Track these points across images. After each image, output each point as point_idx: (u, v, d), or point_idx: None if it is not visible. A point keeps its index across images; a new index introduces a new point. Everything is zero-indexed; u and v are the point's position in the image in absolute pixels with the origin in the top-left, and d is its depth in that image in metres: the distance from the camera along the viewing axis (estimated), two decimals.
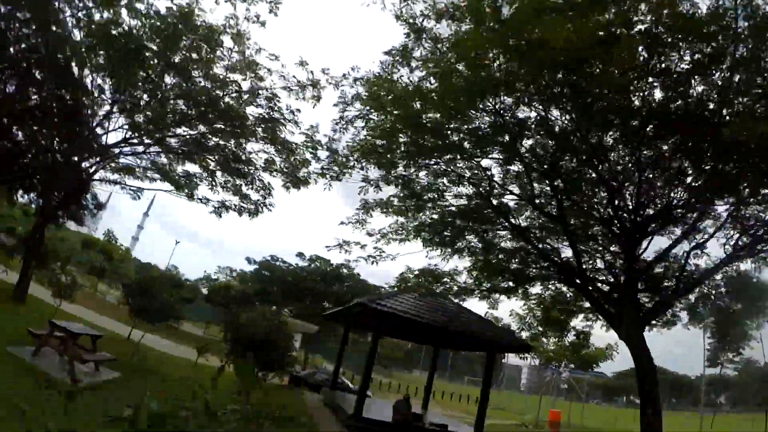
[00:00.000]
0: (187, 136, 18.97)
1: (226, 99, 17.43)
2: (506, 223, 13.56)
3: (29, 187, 19.91)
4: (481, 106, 10.69)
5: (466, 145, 11.51)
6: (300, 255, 56.72)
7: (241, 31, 15.96)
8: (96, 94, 18.18)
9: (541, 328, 21.88)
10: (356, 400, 12.17)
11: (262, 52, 16.57)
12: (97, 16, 16.10)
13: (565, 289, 17.63)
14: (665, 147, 11.24)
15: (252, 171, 19.48)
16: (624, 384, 68.16)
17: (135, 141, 19.32)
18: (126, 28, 15.78)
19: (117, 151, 19.63)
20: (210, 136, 18.75)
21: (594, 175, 12.14)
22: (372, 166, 12.02)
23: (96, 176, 20.55)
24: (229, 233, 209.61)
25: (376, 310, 12.11)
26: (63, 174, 18.31)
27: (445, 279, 14.58)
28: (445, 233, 13.18)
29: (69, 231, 39.79)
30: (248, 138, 18.61)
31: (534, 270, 14.97)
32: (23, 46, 16.09)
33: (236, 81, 17.24)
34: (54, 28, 15.56)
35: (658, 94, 10.64)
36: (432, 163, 12.08)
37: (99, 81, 17.96)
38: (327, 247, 12.91)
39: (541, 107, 11.16)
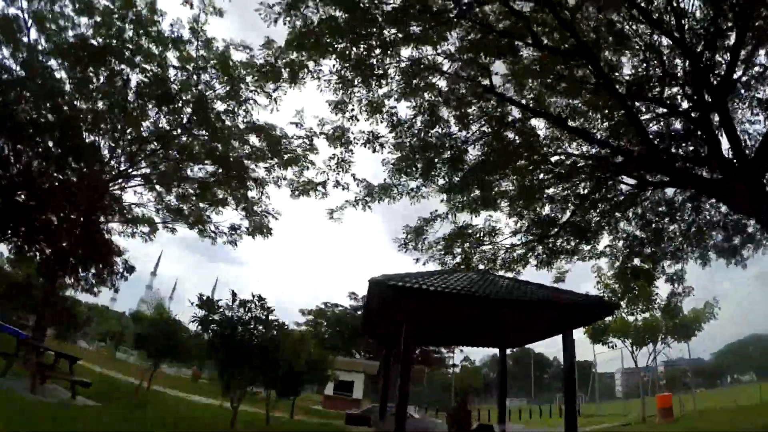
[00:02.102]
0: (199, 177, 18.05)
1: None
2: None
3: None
4: None
5: None
6: (352, 295, 54.81)
7: None
8: (109, 156, 17.72)
9: (622, 293, 18.23)
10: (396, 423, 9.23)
11: None
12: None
13: (638, 233, 14.38)
14: None
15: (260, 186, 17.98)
16: (725, 363, 59.19)
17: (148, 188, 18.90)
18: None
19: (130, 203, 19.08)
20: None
21: None
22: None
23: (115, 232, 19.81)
24: (282, 289, 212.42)
25: (398, 289, 9.42)
26: (92, 240, 17.52)
27: (484, 240, 11.69)
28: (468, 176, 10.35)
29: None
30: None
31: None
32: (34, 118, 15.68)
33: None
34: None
35: None
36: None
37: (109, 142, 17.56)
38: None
39: None
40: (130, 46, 15.22)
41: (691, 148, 10.62)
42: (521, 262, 13.48)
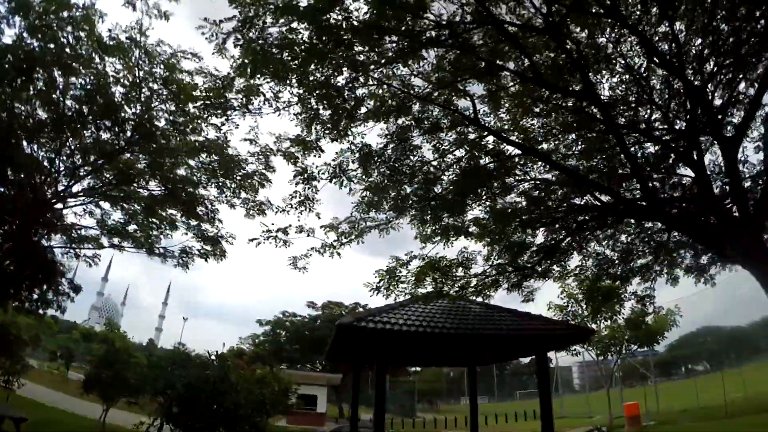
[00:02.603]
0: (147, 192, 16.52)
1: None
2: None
3: None
4: None
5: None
6: (311, 304, 53.56)
7: None
8: (49, 167, 15.86)
9: (588, 311, 18.22)
10: None
11: None
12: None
13: (608, 252, 14.23)
14: None
15: (212, 209, 16.60)
16: (679, 355, 62.02)
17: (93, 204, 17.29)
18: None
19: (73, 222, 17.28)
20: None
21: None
22: None
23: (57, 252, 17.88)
24: (252, 303, 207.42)
25: (367, 331, 8.67)
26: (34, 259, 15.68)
27: (456, 271, 11.03)
28: (439, 201, 9.59)
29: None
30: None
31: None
32: None
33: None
34: None
35: None
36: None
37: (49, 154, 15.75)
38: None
39: None
40: (68, 51, 13.54)
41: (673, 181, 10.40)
42: (493, 287, 13.02)
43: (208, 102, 8.14)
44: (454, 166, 10.06)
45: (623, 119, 10.35)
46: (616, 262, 13.97)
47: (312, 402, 33.86)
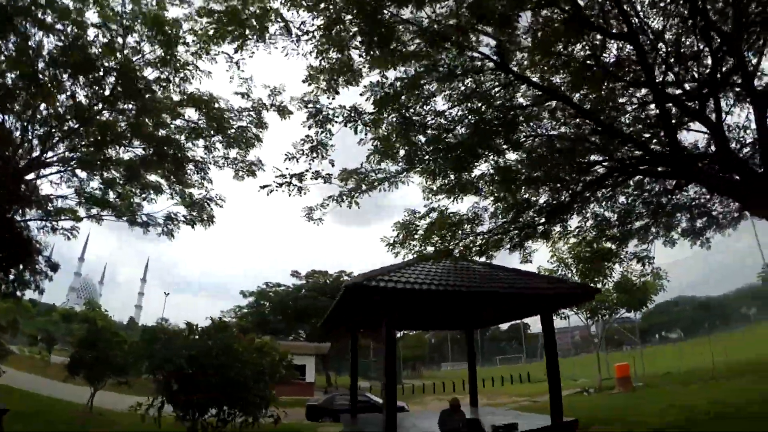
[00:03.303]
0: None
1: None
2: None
3: None
4: None
5: None
6: (295, 274, 53.18)
7: None
8: (21, 138, 14.75)
9: (586, 269, 18.27)
10: (385, 424, 8.37)
11: None
12: None
13: (608, 214, 14.17)
14: None
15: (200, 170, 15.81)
16: (655, 322, 64.80)
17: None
18: None
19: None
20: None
21: None
22: None
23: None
24: (234, 276, 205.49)
25: (378, 290, 8.34)
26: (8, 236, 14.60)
27: (465, 228, 10.73)
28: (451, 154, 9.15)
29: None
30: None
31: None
32: None
33: None
34: None
35: None
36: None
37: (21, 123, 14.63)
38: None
39: None
40: (42, 2, 12.35)
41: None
42: (495, 247, 12.86)
43: (214, 32, 7.38)
44: (467, 119, 9.62)
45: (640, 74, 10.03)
46: (616, 223, 13.97)
47: (301, 372, 33.93)
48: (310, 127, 8.17)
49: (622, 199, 13.75)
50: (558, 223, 13.38)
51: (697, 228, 13.68)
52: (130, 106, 14.01)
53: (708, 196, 13.23)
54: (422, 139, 8.69)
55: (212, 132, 14.40)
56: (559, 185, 12.25)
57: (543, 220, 13.06)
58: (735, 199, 10.78)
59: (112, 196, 16.76)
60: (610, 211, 13.96)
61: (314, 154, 8.38)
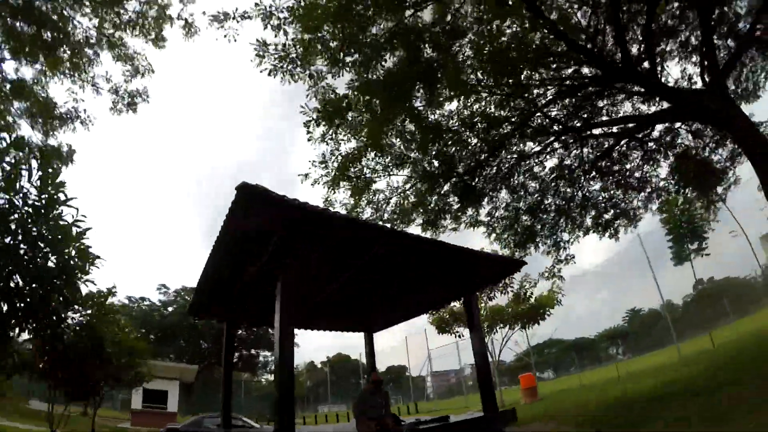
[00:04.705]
0: None
1: None
2: None
3: None
4: None
5: None
6: (162, 289, 47.09)
7: None
8: None
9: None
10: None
11: None
12: None
13: (518, 204, 13.80)
14: None
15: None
16: (524, 364, 67.95)
17: None
18: None
19: None
20: None
21: None
22: None
23: None
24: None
25: (273, 203, 6.30)
26: None
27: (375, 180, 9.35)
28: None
29: None
30: None
31: None
32: None
33: None
34: None
35: None
36: None
37: None
38: None
39: None
40: None
41: None
42: (408, 216, 11.66)
43: None
44: (399, 51, 8.49)
45: None
46: (524, 213, 13.69)
47: (162, 399, 28.36)
48: None
49: (533, 185, 13.58)
50: (470, 205, 12.70)
51: (605, 222, 13.87)
52: None
53: (618, 191, 13.63)
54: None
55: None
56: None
57: (457, 199, 12.33)
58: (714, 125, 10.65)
59: None
60: (521, 202, 13.70)
61: None
